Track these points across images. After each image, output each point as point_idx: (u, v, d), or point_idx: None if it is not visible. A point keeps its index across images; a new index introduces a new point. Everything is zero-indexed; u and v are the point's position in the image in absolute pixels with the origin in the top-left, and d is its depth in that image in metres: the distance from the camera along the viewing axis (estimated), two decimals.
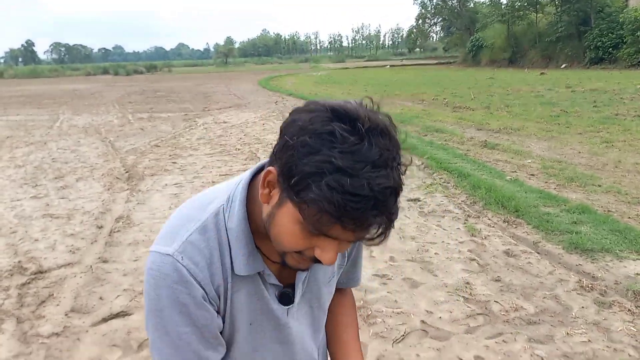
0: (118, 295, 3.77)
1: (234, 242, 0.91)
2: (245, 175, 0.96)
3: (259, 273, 0.96)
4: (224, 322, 0.97)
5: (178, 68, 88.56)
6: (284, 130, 0.82)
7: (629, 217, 5.04)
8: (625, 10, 32.96)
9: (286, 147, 0.79)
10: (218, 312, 0.94)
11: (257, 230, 0.93)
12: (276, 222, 0.84)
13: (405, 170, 0.81)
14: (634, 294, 3.51)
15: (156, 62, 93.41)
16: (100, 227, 5.33)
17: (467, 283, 3.80)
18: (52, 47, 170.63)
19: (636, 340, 2.98)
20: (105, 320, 3.43)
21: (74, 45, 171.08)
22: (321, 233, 0.79)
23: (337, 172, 0.73)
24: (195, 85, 34.12)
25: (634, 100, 13.58)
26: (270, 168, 0.83)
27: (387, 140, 0.78)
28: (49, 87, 36.67)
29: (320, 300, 1.09)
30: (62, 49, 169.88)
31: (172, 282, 0.87)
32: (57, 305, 3.63)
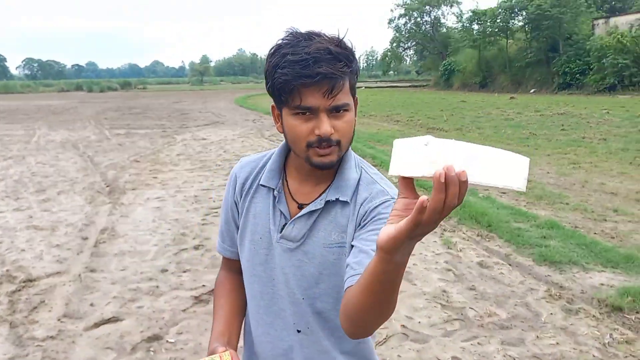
0: (108, 302, 3.88)
1: (270, 163, 1.26)
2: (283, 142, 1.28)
3: (273, 195, 1.23)
4: (238, 230, 1.30)
5: (153, 85, 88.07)
6: None
7: (595, 233, 5.35)
8: (591, 38, 34.22)
9: (265, 79, 1.13)
10: (239, 214, 1.30)
11: (291, 169, 1.24)
12: (285, 129, 1.14)
13: (352, 47, 1.10)
14: (599, 302, 3.77)
15: (130, 79, 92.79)
16: (85, 239, 5.41)
17: (444, 291, 4.02)
18: (24, 62, 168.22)
19: (600, 343, 3.22)
20: (97, 325, 3.54)
21: (47, 61, 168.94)
22: (303, 108, 1.06)
23: (284, 57, 1.06)
24: (171, 102, 34.10)
25: (600, 125, 14.17)
26: (272, 104, 1.18)
27: (320, 37, 1.08)
28: (23, 103, 36.20)
29: (317, 259, 1.18)
30: (35, 64, 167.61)
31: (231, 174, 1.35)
32: (50, 311, 3.72)
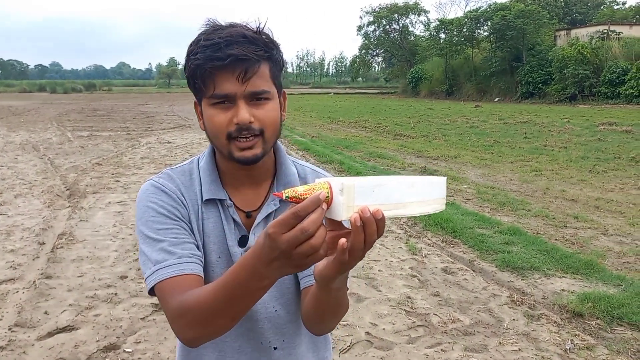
0: (64, 310, 3.73)
1: (203, 174, 1.14)
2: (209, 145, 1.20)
3: (222, 205, 1.12)
4: (200, 250, 1.11)
5: (119, 87, 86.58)
6: None
7: (556, 239, 5.44)
8: (553, 48, 35.20)
9: (185, 71, 1.06)
10: (192, 232, 1.10)
11: (226, 179, 1.14)
12: (205, 123, 1.08)
13: (271, 34, 1.06)
14: (560, 307, 3.82)
15: (95, 80, 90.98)
16: (42, 244, 5.22)
17: (409, 297, 4.01)
18: None
19: (561, 349, 3.25)
20: (51, 334, 3.40)
21: (9, 60, 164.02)
22: (219, 97, 1.01)
23: (197, 43, 1.02)
24: (136, 105, 33.54)
25: (561, 133, 14.52)
26: (194, 101, 1.12)
27: (239, 26, 1.03)
28: None
29: None
30: None
31: (149, 192, 1.10)
32: (0, 319, 3.56)
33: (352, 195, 0.80)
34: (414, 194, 0.84)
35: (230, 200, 1.13)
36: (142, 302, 3.89)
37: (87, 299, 3.95)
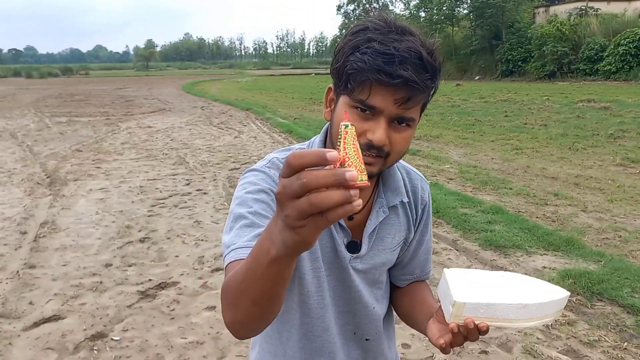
0: (49, 300, 3.71)
1: None
2: (325, 127, 1.13)
3: None
4: None
5: (96, 71, 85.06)
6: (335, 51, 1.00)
7: (537, 217, 5.53)
8: (532, 26, 35.33)
9: (335, 57, 0.98)
10: None
11: None
12: (335, 118, 1.00)
13: (440, 69, 0.96)
14: None
15: (72, 64, 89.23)
16: (24, 233, 5.16)
17: None
18: None
19: (543, 326, 3.32)
20: (37, 324, 3.38)
21: None
22: (367, 106, 0.93)
23: (369, 42, 0.91)
24: (115, 89, 33.03)
25: (541, 111, 14.65)
26: (329, 86, 1.03)
27: (413, 37, 0.93)
28: None
29: (384, 265, 1.18)
30: None
31: (252, 174, 1.06)
32: None
33: (461, 311, 0.89)
34: (523, 314, 0.89)
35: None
36: (128, 290, 3.88)
37: (72, 287, 3.92)
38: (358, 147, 0.63)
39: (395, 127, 0.96)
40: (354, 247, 1.11)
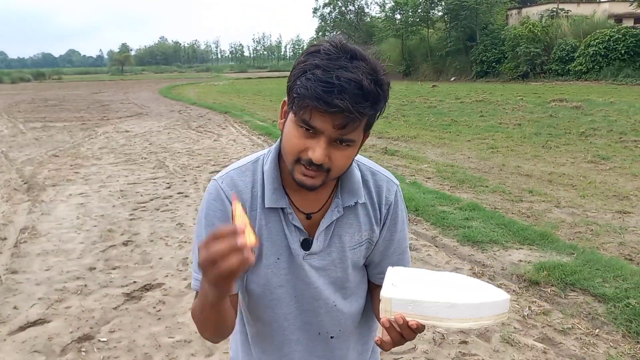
0: (33, 304, 3.72)
1: (267, 179, 1.15)
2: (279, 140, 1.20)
3: (283, 211, 1.16)
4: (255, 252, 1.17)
5: (69, 76, 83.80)
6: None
7: (513, 213, 5.68)
8: (505, 27, 35.94)
9: (290, 75, 1.05)
10: None
11: (287, 182, 1.16)
12: (284, 132, 1.08)
13: (388, 86, 1.05)
14: (518, 277, 4.03)
15: (44, 69, 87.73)
16: (4, 239, 5.13)
17: None
18: None
19: (520, 316, 3.45)
20: (22, 328, 3.39)
21: None
22: (308, 126, 1.00)
23: (315, 68, 0.98)
24: (90, 93, 32.62)
25: (515, 111, 14.95)
26: (285, 99, 1.10)
27: (364, 62, 1.00)
28: None
29: (343, 263, 1.21)
30: None
31: (210, 197, 1.17)
32: None
33: (389, 306, 0.93)
34: (453, 313, 0.90)
35: (291, 206, 1.16)
36: (113, 292, 3.90)
37: (56, 291, 3.93)
38: (246, 217, 0.88)
39: (337, 146, 1.03)
40: (308, 244, 1.18)
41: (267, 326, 1.24)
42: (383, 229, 1.24)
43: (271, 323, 1.23)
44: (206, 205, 1.17)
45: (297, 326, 1.23)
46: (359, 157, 1.22)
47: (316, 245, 1.17)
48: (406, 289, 0.94)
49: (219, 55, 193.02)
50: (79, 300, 3.78)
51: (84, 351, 3.12)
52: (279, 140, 1.16)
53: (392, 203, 1.24)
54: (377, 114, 1.06)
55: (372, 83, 0.98)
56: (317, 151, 1.01)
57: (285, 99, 1.09)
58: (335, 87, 0.95)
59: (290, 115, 1.04)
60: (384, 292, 0.94)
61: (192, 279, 1.18)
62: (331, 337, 1.26)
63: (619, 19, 33.64)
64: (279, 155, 1.16)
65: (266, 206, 1.15)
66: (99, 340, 3.24)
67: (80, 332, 3.32)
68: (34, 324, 3.45)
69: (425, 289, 0.94)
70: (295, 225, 1.16)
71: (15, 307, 3.67)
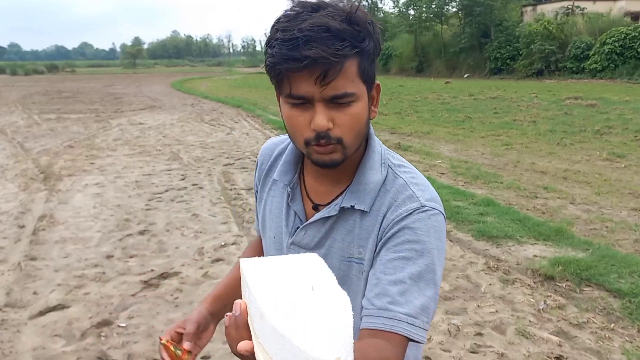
0: (53, 290, 3.78)
1: (287, 152, 1.12)
2: None
3: (287, 192, 1.09)
4: (259, 221, 1.22)
5: (82, 69, 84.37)
6: None
7: (527, 209, 5.67)
8: (520, 24, 35.64)
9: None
10: (257, 202, 1.22)
11: (308, 168, 1.09)
12: (284, 121, 0.97)
13: (370, 24, 0.93)
14: (533, 272, 4.03)
15: (57, 61, 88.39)
16: (22, 227, 5.21)
17: None
18: None
19: (535, 310, 3.46)
20: (42, 313, 3.45)
21: None
22: (295, 97, 0.90)
23: (275, 33, 0.89)
24: (103, 86, 32.86)
25: (529, 108, 14.86)
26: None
27: (330, 8, 0.89)
28: None
29: (327, 258, 1.03)
30: None
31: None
32: None
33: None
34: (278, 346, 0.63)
35: (297, 187, 1.09)
36: (131, 280, 3.95)
37: (75, 278, 3.99)
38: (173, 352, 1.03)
39: (337, 107, 0.91)
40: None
41: None
42: (381, 248, 0.99)
43: None
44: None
45: None
46: (396, 162, 1.06)
47: (300, 235, 1.07)
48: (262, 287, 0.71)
49: (231, 50, 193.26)
50: (98, 287, 3.83)
51: (103, 336, 3.17)
52: None
53: (405, 226, 0.97)
54: (369, 56, 0.93)
55: (344, 22, 0.87)
56: (316, 119, 0.90)
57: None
58: (299, 40, 0.84)
59: (281, 100, 0.95)
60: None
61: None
62: None
63: (635, 16, 33.20)
64: None
65: (273, 177, 1.12)
66: (118, 325, 3.29)
67: (99, 318, 3.37)
68: (54, 309, 3.51)
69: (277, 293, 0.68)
70: (294, 210, 1.08)
71: (35, 293, 3.73)
